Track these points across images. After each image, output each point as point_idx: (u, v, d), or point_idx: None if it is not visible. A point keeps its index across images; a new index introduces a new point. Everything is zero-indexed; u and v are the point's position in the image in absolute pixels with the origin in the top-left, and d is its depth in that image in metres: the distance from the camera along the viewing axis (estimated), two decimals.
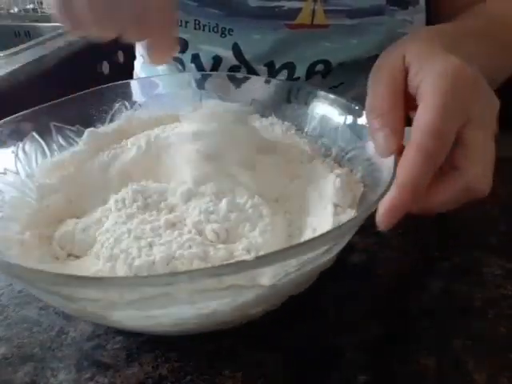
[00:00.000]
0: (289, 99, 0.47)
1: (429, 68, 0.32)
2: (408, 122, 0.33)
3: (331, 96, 0.43)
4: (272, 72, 0.57)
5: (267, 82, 0.50)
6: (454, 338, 0.33)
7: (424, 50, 0.34)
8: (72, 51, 1.05)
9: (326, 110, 0.44)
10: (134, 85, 0.51)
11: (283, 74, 0.57)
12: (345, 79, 0.59)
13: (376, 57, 0.61)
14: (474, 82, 0.31)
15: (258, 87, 0.49)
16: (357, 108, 0.40)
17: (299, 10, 0.54)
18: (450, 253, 0.41)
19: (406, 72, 0.33)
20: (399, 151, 0.31)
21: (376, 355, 0.33)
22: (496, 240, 0.42)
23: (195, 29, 0.56)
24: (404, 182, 0.28)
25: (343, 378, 0.31)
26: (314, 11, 0.53)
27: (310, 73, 0.57)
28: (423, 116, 0.30)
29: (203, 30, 0.56)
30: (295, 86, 0.48)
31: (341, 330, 0.34)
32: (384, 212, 0.29)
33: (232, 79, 0.52)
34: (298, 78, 0.57)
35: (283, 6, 0.54)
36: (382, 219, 0.29)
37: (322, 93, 0.44)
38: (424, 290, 0.37)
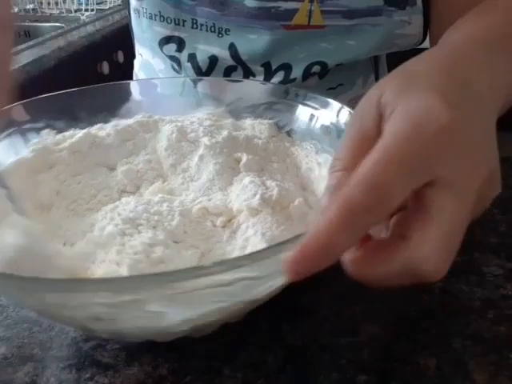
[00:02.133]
0: (281, 102, 0.47)
1: (399, 109, 0.24)
2: None
3: (323, 98, 0.43)
4: (268, 73, 0.57)
5: (262, 84, 0.51)
6: (454, 338, 0.33)
7: (403, 87, 0.26)
8: (72, 51, 1.05)
9: (314, 112, 0.44)
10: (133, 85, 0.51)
11: (280, 75, 0.57)
12: (342, 80, 0.59)
13: (374, 58, 0.61)
14: (455, 131, 0.23)
15: (252, 90, 0.49)
16: (348, 111, 0.39)
17: (296, 10, 0.54)
18: None
19: (381, 118, 0.26)
20: None
21: (376, 355, 0.33)
22: (496, 240, 0.42)
23: (192, 28, 0.56)
24: (316, 233, 0.22)
25: (343, 378, 0.31)
26: (310, 12, 0.53)
27: (307, 74, 0.57)
28: (364, 161, 0.23)
29: (200, 29, 0.56)
30: (289, 89, 0.48)
31: (341, 330, 0.34)
32: (289, 261, 0.23)
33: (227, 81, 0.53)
34: (295, 79, 0.57)
35: (280, 7, 0.54)
36: (289, 268, 0.23)
37: (313, 95, 0.44)
38: (424, 290, 0.37)
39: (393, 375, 0.31)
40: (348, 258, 0.24)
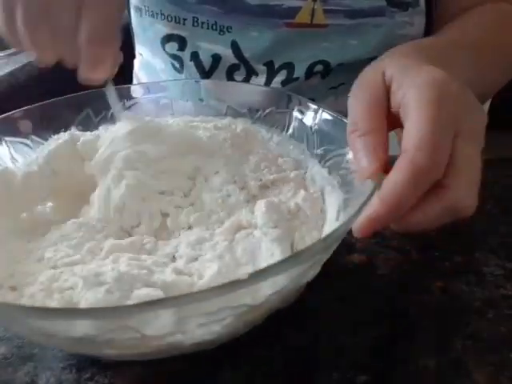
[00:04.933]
0: (281, 106, 0.47)
1: (411, 80, 0.30)
2: None
3: (315, 106, 0.43)
4: (271, 72, 0.57)
5: (264, 86, 0.51)
6: (453, 338, 0.33)
7: (404, 63, 0.32)
8: None
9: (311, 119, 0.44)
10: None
11: (282, 74, 0.57)
12: (345, 80, 0.59)
13: (376, 58, 0.61)
14: (461, 93, 0.30)
15: (254, 92, 0.49)
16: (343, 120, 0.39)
17: (299, 8, 0.54)
18: (450, 253, 0.41)
19: (388, 88, 0.32)
20: (383, 169, 0.30)
21: (376, 355, 0.33)
22: (496, 240, 0.42)
23: (193, 26, 0.56)
24: (387, 198, 0.27)
25: (343, 378, 0.31)
26: (313, 10, 0.54)
27: (309, 73, 0.57)
28: (413, 130, 0.28)
29: (201, 27, 0.56)
30: (286, 93, 0.48)
31: (341, 330, 0.34)
32: (363, 222, 0.28)
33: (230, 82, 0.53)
34: (297, 78, 0.57)
35: (283, 5, 0.54)
36: (360, 228, 0.28)
37: (309, 103, 0.44)
38: (424, 290, 0.37)
39: (393, 375, 0.31)
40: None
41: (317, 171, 0.42)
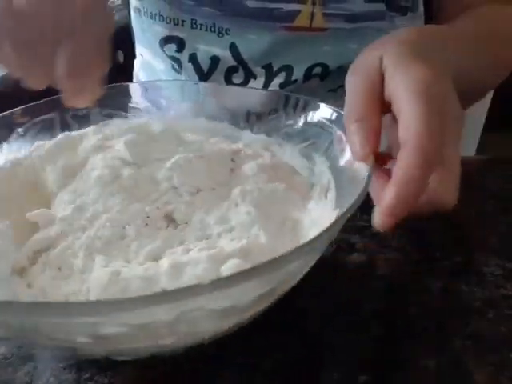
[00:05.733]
0: (280, 109, 0.47)
1: (401, 74, 0.31)
2: None
3: (324, 106, 0.43)
4: (270, 74, 0.57)
5: (262, 90, 0.52)
6: (453, 338, 0.33)
7: (402, 52, 0.33)
8: None
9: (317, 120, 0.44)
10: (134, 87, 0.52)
11: (281, 77, 0.57)
12: (343, 82, 0.59)
13: None
14: (447, 93, 0.31)
15: (253, 96, 0.49)
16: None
17: (298, 12, 0.54)
18: (450, 253, 0.41)
19: (383, 75, 0.33)
20: (375, 156, 0.31)
21: (376, 355, 0.33)
22: (496, 240, 0.42)
23: (192, 28, 0.56)
24: (403, 185, 0.28)
25: (343, 378, 0.31)
26: (312, 14, 0.54)
27: (308, 76, 0.57)
28: (411, 120, 0.29)
29: (200, 28, 0.56)
30: (287, 96, 0.47)
31: (341, 330, 0.34)
32: (383, 213, 0.28)
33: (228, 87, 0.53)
34: (296, 80, 0.57)
35: (282, 8, 0.54)
36: (382, 221, 0.28)
37: (314, 103, 0.44)
38: (424, 290, 0.37)
39: (393, 375, 0.31)
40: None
41: (253, 138, 0.45)
